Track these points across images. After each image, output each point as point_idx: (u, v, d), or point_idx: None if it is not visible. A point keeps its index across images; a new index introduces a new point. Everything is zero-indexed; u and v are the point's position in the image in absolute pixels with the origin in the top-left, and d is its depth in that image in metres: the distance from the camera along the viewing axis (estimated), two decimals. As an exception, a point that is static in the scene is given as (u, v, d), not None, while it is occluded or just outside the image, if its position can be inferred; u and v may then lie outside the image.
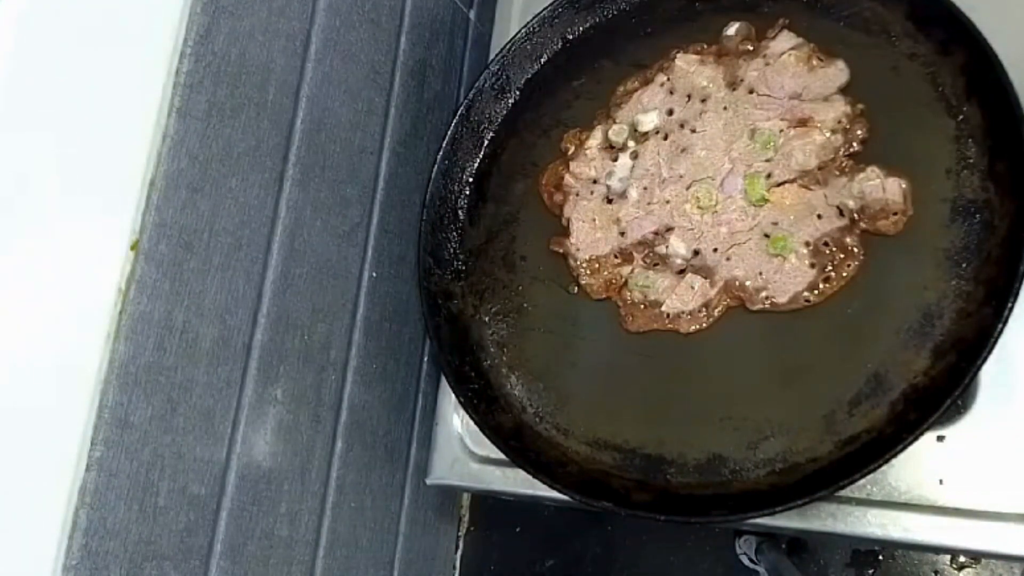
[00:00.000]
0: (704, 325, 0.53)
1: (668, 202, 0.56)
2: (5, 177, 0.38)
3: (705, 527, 0.84)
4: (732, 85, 0.56)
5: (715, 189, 0.54)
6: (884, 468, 0.44)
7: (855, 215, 0.50)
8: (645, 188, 0.57)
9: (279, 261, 0.52)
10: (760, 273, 0.52)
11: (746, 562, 0.86)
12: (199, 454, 0.46)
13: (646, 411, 0.53)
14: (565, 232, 0.59)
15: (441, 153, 0.62)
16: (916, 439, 0.43)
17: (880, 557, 0.82)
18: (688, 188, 0.55)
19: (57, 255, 0.40)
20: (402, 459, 0.68)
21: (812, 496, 0.44)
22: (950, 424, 0.48)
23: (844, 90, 0.52)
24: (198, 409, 0.46)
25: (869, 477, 0.45)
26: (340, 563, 0.59)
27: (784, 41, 0.54)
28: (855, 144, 0.51)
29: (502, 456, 0.54)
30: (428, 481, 0.64)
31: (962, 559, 0.80)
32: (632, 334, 0.55)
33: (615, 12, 0.63)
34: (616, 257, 0.57)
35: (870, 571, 0.82)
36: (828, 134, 0.51)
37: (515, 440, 0.55)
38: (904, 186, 0.49)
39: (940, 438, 0.48)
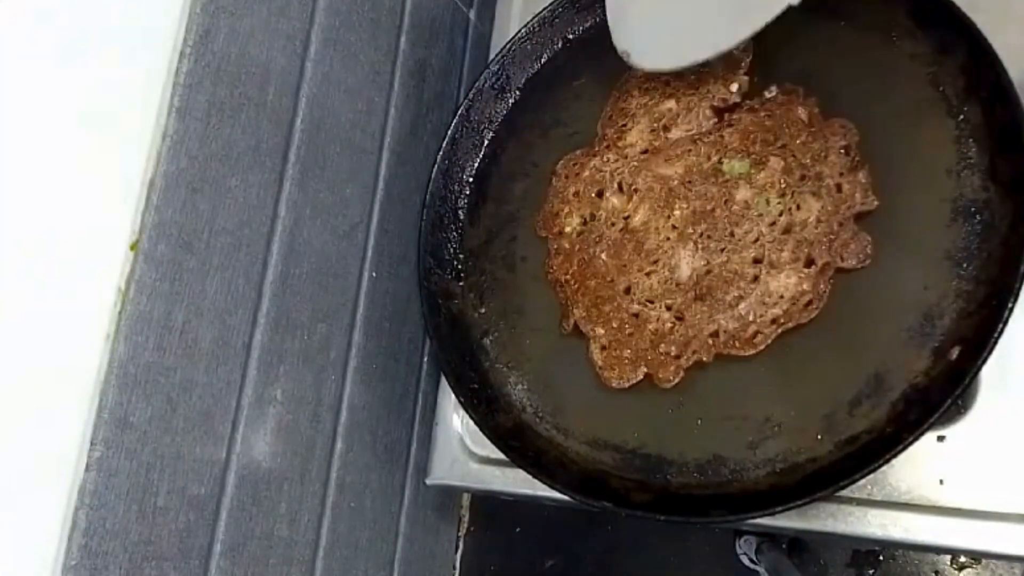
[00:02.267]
0: (704, 325, 0.53)
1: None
2: (5, 177, 0.38)
3: (705, 527, 0.84)
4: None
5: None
6: (884, 468, 0.44)
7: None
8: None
9: (279, 261, 0.52)
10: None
11: (746, 562, 0.86)
12: (199, 454, 0.46)
13: (646, 411, 0.53)
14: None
15: (441, 153, 0.62)
16: (916, 439, 0.43)
17: (880, 557, 0.82)
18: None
19: (57, 255, 0.40)
20: (402, 459, 0.68)
21: (812, 496, 0.44)
22: (950, 424, 0.48)
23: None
24: (198, 409, 0.46)
25: (869, 477, 0.45)
26: (340, 563, 0.59)
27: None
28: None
29: (502, 456, 0.54)
30: (428, 481, 0.64)
31: (962, 559, 0.80)
32: (632, 334, 0.55)
33: (615, 12, 0.63)
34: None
35: (870, 571, 0.82)
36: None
37: (515, 440, 0.55)
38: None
39: (940, 438, 0.48)
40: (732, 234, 0.53)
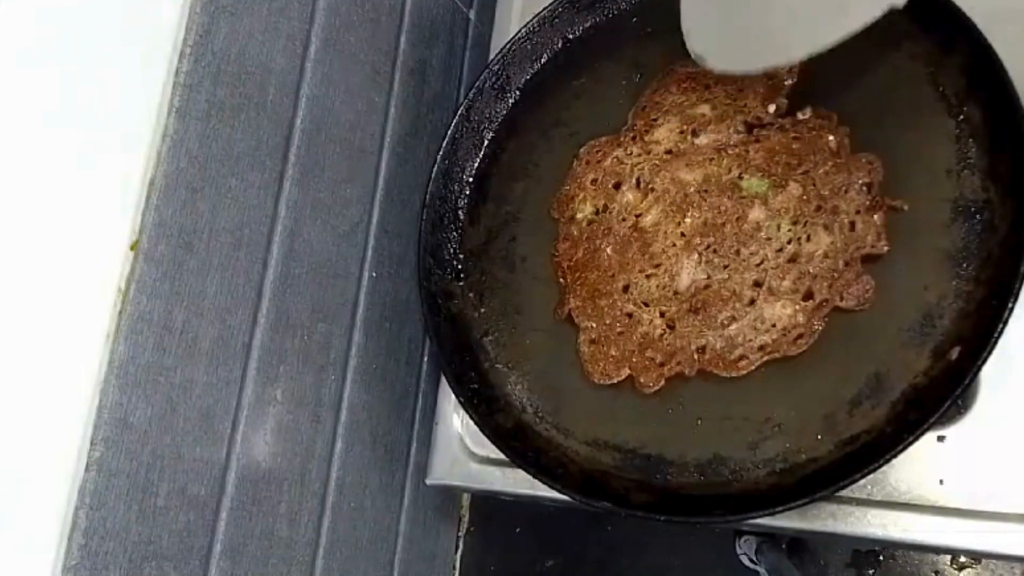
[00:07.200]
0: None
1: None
2: (5, 177, 0.38)
3: (705, 527, 0.84)
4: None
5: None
6: (884, 468, 0.44)
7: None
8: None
9: (279, 261, 0.52)
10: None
11: (746, 562, 0.86)
12: (199, 454, 0.46)
13: (646, 411, 0.53)
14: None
15: (441, 153, 0.62)
16: (916, 439, 0.43)
17: (880, 557, 0.82)
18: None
19: (57, 255, 0.40)
20: (402, 459, 0.68)
21: (812, 496, 0.44)
22: (950, 424, 0.48)
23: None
24: (198, 409, 0.46)
25: (869, 477, 0.45)
26: (340, 563, 0.59)
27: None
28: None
29: (502, 456, 0.54)
30: (428, 481, 0.64)
31: (962, 559, 0.80)
32: (632, 334, 0.55)
33: (615, 12, 0.63)
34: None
35: (870, 571, 0.82)
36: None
37: (515, 440, 0.55)
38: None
39: (940, 438, 0.48)
40: (738, 252, 0.52)
